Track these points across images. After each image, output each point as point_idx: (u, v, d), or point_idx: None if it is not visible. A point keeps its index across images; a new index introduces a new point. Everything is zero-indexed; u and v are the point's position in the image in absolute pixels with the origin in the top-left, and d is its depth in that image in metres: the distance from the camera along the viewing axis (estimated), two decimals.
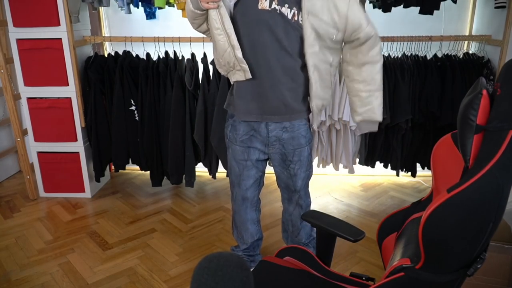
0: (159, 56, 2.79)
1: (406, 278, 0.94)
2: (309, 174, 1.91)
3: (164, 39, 2.77)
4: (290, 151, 1.79)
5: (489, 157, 0.83)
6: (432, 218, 0.86)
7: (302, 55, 1.62)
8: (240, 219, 2.02)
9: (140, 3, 2.76)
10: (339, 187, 3.15)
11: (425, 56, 2.79)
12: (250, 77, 1.65)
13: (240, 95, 1.74)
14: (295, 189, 1.90)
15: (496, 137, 0.84)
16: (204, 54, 2.77)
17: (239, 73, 1.67)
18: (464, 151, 0.90)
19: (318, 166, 3.08)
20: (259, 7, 1.56)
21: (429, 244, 0.89)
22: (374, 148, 2.90)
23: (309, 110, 1.78)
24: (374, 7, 2.74)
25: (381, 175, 3.26)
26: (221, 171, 2.95)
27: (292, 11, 1.57)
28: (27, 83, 2.75)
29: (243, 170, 1.86)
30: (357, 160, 2.98)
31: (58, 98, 2.78)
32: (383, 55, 2.78)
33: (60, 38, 2.63)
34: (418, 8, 2.66)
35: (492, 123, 0.85)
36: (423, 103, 2.74)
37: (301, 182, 1.88)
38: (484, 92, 0.88)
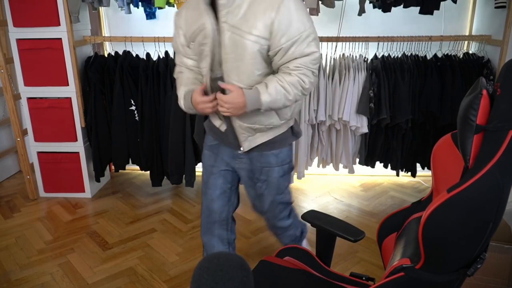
0: (159, 56, 2.79)
1: (406, 278, 0.95)
2: (280, 199, 1.74)
3: (164, 39, 2.77)
4: (258, 168, 1.67)
5: (489, 157, 0.83)
6: (432, 218, 0.86)
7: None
8: (206, 236, 1.79)
9: (140, 3, 2.76)
10: (339, 187, 3.15)
11: (425, 56, 2.79)
12: (224, 129, 1.64)
13: (212, 132, 1.72)
14: (261, 210, 1.80)
15: (496, 137, 0.84)
16: None
17: (217, 121, 1.66)
18: (464, 151, 0.90)
19: (318, 166, 3.08)
20: None
21: (429, 244, 0.89)
22: (374, 148, 2.90)
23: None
24: (374, 7, 2.73)
25: (381, 175, 3.26)
26: None
27: None
28: (27, 83, 2.75)
29: (209, 176, 1.73)
30: (357, 160, 2.98)
31: (58, 98, 2.78)
32: (383, 55, 2.79)
33: (60, 38, 2.63)
34: (418, 8, 2.66)
35: (492, 123, 0.85)
36: (423, 103, 2.74)
37: (268, 205, 1.74)
38: (484, 92, 0.87)
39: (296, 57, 1.43)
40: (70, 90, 2.75)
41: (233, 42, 1.42)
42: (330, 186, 3.15)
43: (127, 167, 3.08)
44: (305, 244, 2.12)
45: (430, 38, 2.75)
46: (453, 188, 0.84)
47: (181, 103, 1.59)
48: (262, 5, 1.40)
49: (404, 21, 2.92)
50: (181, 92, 1.60)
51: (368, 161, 2.98)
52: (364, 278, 1.36)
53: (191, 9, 1.54)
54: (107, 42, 3.15)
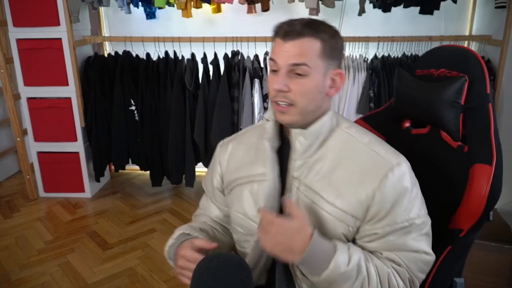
0: (159, 56, 2.79)
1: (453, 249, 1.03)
2: None
3: (164, 39, 2.77)
4: None
5: (486, 127, 1.01)
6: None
7: None
8: None
9: (140, 3, 2.76)
10: None
11: None
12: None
13: None
14: None
15: (480, 112, 1.02)
16: (204, 54, 2.76)
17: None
18: (451, 130, 1.05)
19: None
20: None
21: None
22: None
23: None
24: (374, 7, 2.73)
25: None
26: None
27: None
28: (27, 83, 2.75)
29: None
30: None
31: (58, 98, 2.78)
32: (383, 55, 2.79)
33: (60, 38, 2.63)
34: (418, 8, 2.66)
35: (473, 102, 1.03)
36: None
37: None
38: (467, 78, 1.04)
39: (393, 250, 0.94)
40: (70, 90, 2.75)
41: (304, 209, 0.97)
42: None
43: (127, 167, 3.08)
44: None
45: (430, 38, 2.75)
46: (490, 160, 0.98)
47: (168, 243, 1.08)
48: (360, 168, 0.95)
49: (404, 21, 2.92)
50: (178, 230, 1.10)
51: None
52: None
53: (244, 146, 1.11)
54: (107, 42, 3.15)
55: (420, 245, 0.93)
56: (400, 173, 0.92)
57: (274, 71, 0.95)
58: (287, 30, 0.91)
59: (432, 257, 0.96)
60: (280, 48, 0.92)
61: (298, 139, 0.97)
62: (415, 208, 0.93)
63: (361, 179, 0.93)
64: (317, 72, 0.92)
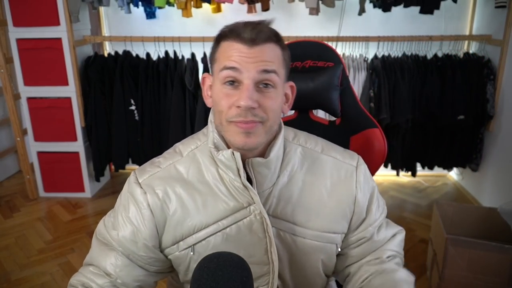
0: (159, 56, 2.79)
1: None
2: None
3: (164, 39, 2.77)
4: None
5: (355, 101, 1.25)
6: None
7: None
8: None
9: (140, 3, 2.76)
10: None
11: (425, 56, 2.79)
12: None
13: None
14: None
15: (348, 91, 1.24)
16: (204, 54, 2.76)
17: None
18: (335, 109, 1.21)
19: None
20: None
21: None
22: None
23: None
24: (374, 6, 2.73)
25: (381, 175, 3.26)
26: None
27: None
28: (27, 83, 2.75)
29: None
30: None
31: (58, 98, 2.78)
32: (383, 55, 2.79)
33: (60, 38, 2.63)
34: (419, 7, 2.66)
35: (344, 84, 1.22)
36: (423, 103, 2.73)
37: None
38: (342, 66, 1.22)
39: (380, 246, 0.95)
40: (70, 90, 2.75)
41: (284, 245, 0.90)
42: None
43: (127, 167, 3.08)
44: None
45: (430, 38, 2.75)
46: (374, 124, 1.22)
47: None
48: (329, 181, 0.90)
49: (404, 20, 2.92)
50: None
51: None
52: None
53: (185, 185, 0.90)
54: (107, 42, 3.15)
55: (393, 228, 0.98)
56: (364, 172, 0.93)
57: (231, 83, 0.79)
58: (254, 34, 0.77)
59: (403, 231, 1.00)
60: (242, 54, 0.77)
61: (260, 171, 0.84)
62: (380, 200, 0.97)
63: (336, 191, 0.90)
64: (280, 83, 0.82)
